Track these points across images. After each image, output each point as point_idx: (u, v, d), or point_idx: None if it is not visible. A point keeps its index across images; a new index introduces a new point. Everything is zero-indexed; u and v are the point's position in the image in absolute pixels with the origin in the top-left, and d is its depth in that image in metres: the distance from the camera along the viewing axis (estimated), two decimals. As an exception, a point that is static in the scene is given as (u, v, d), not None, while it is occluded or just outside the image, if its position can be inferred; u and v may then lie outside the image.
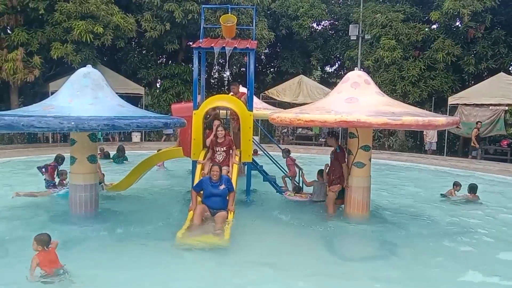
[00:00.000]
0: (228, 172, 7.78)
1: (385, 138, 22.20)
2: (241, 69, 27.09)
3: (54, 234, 6.22)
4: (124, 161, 14.02)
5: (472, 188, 9.45)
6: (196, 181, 7.54)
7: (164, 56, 26.55)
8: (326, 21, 27.12)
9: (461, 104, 18.57)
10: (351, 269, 5.59)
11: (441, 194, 9.79)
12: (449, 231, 7.18)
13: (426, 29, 20.89)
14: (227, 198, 6.95)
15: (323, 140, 22.84)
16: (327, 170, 8.02)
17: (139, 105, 20.28)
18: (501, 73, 18.38)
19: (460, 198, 9.48)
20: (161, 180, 11.29)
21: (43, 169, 9.12)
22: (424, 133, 20.09)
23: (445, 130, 18.15)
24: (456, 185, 9.75)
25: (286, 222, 7.46)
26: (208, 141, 8.34)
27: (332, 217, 7.57)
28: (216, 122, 8.42)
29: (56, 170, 9.14)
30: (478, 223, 7.72)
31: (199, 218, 6.53)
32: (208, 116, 9.06)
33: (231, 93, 9.85)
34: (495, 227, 7.60)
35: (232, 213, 6.75)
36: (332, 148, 7.89)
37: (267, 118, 10.68)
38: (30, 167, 12.94)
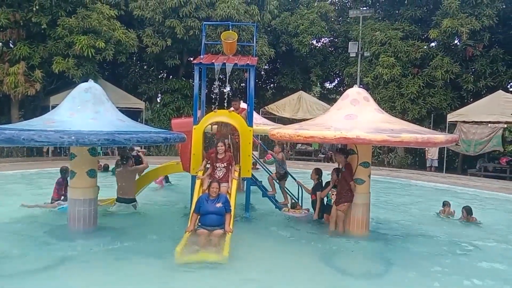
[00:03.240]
0: (228, 188, 7.76)
1: (384, 154, 22.22)
2: (241, 85, 27.25)
3: (52, 250, 6.22)
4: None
5: (468, 211, 9.20)
6: (195, 196, 7.52)
7: (165, 71, 26.75)
8: (326, 38, 27.40)
9: (460, 122, 18.64)
10: (351, 286, 5.54)
11: (436, 213, 9.71)
12: (449, 250, 7.12)
13: (425, 47, 21.10)
14: (224, 216, 6.86)
15: (322, 155, 22.85)
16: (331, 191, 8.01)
17: (139, 120, 20.37)
18: (500, 91, 18.49)
19: (458, 219, 9.34)
20: (160, 195, 11.25)
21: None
22: (426, 149, 20.06)
23: (444, 147, 18.17)
24: (446, 204, 9.63)
25: (285, 238, 7.42)
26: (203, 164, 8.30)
27: (341, 234, 7.51)
28: (220, 144, 8.25)
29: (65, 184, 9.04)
30: (477, 242, 7.65)
31: (201, 239, 6.49)
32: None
33: (232, 108, 9.89)
34: (495, 246, 7.55)
35: (230, 233, 6.66)
36: (335, 165, 7.88)
37: (266, 134, 10.71)
38: (29, 181, 12.96)
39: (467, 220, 9.14)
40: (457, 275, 5.96)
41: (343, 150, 7.98)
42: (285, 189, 9.95)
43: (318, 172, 8.61)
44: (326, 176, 8.52)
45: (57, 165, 14.84)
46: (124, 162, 9.01)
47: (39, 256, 5.99)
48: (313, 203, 8.57)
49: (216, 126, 9.53)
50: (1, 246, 6.37)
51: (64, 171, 9.01)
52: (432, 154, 19.83)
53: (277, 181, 9.98)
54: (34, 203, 8.80)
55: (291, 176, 9.96)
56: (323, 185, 8.40)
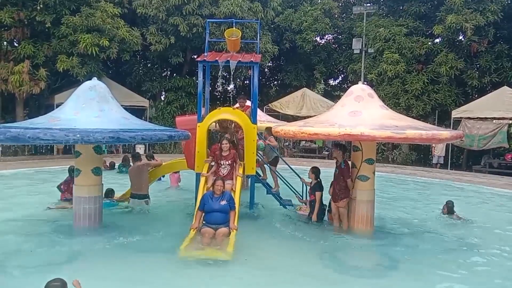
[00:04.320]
0: (233, 185, 7.77)
1: (389, 151, 22.17)
2: (245, 82, 27.24)
3: (58, 247, 6.26)
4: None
5: (450, 208, 9.04)
6: (200, 193, 7.54)
7: (168, 69, 26.76)
8: (330, 35, 27.31)
9: (464, 118, 18.56)
10: (355, 284, 5.54)
11: (439, 211, 9.44)
12: (454, 247, 7.10)
13: (429, 43, 20.98)
14: (228, 214, 6.87)
15: (326, 152, 22.84)
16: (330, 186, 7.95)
17: (143, 118, 20.38)
18: (505, 86, 18.39)
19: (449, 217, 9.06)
20: (165, 193, 11.28)
21: (63, 188, 9.11)
22: (433, 146, 19.92)
23: (449, 143, 18.11)
24: (447, 204, 9.30)
25: (289, 236, 7.43)
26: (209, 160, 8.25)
27: (345, 231, 7.52)
28: (225, 141, 8.13)
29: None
30: (481, 240, 7.62)
31: (206, 238, 6.51)
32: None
33: (237, 105, 9.92)
34: (500, 244, 7.51)
35: (234, 231, 6.67)
36: (337, 161, 7.83)
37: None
38: (34, 179, 13.03)
39: (454, 218, 8.95)
40: (461, 273, 5.95)
41: (340, 145, 7.95)
42: (276, 173, 10.21)
43: (315, 171, 8.19)
44: (329, 174, 8.48)
45: (61, 163, 14.96)
46: (135, 159, 9.21)
47: (46, 254, 6.04)
48: (312, 203, 8.18)
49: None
50: (8, 244, 6.43)
51: (71, 171, 9.06)
52: (439, 151, 19.72)
53: (269, 165, 10.21)
54: (61, 204, 8.77)
55: (296, 174, 9.97)
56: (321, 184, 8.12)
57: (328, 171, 8.40)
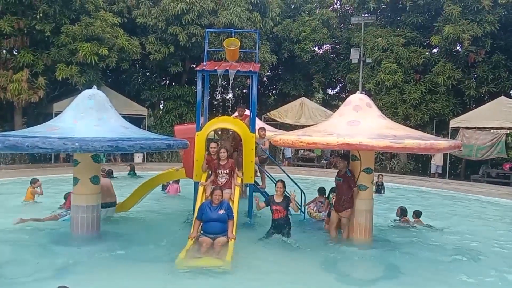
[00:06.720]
0: (231, 195, 7.75)
1: (387, 161, 22.19)
2: (244, 91, 27.31)
3: (56, 256, 6.22)
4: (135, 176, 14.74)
5: (403, 212, 9.27)
6: (198, 203, 7.51)
7: (167, 78, 26.83)
8: (328, 45, 27.47)
9: (462, 128, 18.62)
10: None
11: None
12: (453, 257, 7.07)
13: (427, 53, 21.11)
14: (227, 223, 6.85)
15: (325, 162, 22.84)
16: (332, 195, 7.95)
17: (141, 126, 20.42)
18: (502, 96, 18.48)
19: (405, 224, 9.14)
20: (163, 202, 11.24)
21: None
22: (431, 155, 19.92)
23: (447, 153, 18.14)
24: (416, 214, 9.46)
25: (288, 245, 7.39)
26: (204, 167, 8.20)
27: (344, 240, 7.51)
28: (213, 144, 8.27)
29: None
30: (481, 248, 7.62)
31: (204, 247, 6.48)
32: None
33: (236, 114, 9.94)
34: (501, 251, 7.51)
35: (233, 240, 6.65)
36: (338, 171, 7.82)
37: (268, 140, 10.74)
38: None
39: (401, 220, 9.17)
40: (460, 283, 5.93)
41: (345, 156, 7.93)
42: (265, 172, 10.29)
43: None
44: (327, 183, 8.48)
45: (60, 172, 14.93)
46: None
47: (44, 263, 6.00)
48: None
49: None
50: (6, 254, 6.38)
51: None
52: (437, 161, 19.73)
53: (259, 164, 10.20)
54: (33, 217, 8.38)
55: (296, 184, 9.96)
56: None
57: (322, 179, 8.40)
